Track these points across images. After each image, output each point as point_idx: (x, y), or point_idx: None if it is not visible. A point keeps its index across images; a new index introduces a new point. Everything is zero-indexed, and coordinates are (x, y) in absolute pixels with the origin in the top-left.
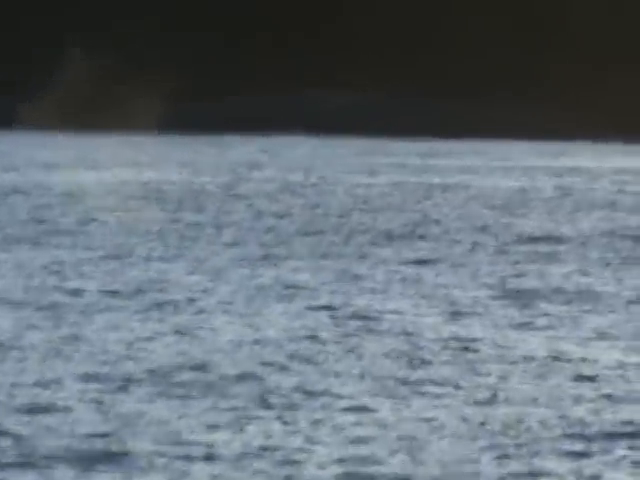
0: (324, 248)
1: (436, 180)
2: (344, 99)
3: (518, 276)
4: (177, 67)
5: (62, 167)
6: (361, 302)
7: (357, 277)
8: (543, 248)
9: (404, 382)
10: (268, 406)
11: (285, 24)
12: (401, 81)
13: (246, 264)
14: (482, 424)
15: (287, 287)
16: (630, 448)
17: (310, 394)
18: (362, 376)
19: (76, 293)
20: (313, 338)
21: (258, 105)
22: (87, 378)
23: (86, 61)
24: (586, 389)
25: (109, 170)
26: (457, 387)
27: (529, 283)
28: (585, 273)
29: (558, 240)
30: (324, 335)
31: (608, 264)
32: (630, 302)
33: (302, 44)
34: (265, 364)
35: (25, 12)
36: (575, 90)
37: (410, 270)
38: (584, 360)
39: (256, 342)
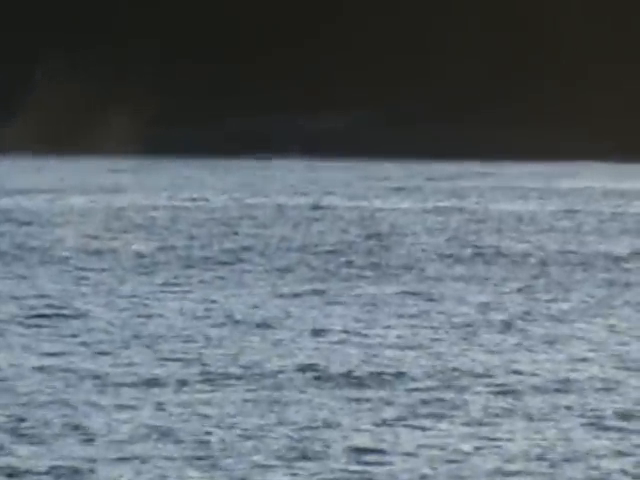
0: (312, 279)
1: (432, 204)
2: (339, 120)
3: (504, 302)
4: (166, 89)
5: (49, 192)
6: (346, 330)
7: (341, 306)
8: (530, 273)
9: (392, 414)
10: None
11: (279, 44)
12: (397, 103)
13: (235, 294)
14: (468, 460)
15: (275, 317)
16: None
17: (298, 429)
18: (350, 407)
19: (61, 321)
20: (300, 366)
21: (251, 127)
22: (70, 405)
23: (67, 83)
24: (575, 418)
25: (99, 195)
26: (442, 418)
27: (514, 309)
28: (568, 299)
29: (546, 264)
30: (311, 362)
31: (593, 292)
32: (611, 328)
33: (296, 66)
34: (248, 401)
35: (5, 29)
36: (574, 111)
37: (395, 299)
38: (568, 383)
39: (241, 367)
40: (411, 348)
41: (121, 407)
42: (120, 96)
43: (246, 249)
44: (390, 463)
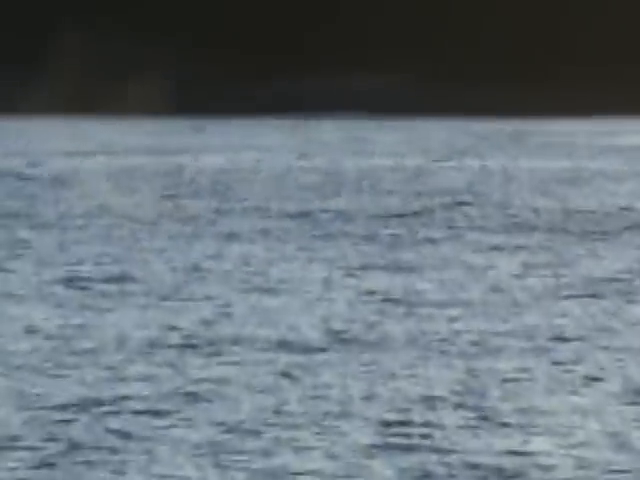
0: (354, 244)
1: (479, 163)
2: (374, 82)
3: (540, 269)
4: (201, 52)
5: (90, 154)
6: (387, 297)
7: (380, 272)
8: (569, 238)
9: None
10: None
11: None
12: (432, 63)
13: (274, 260)
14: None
15: (311, 281)
16: None
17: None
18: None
19: (105, 284)
20: (331, 331)
21: (288, 89)
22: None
23: (95, 41)
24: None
25: (148, 157)
26: (477, 386)
27: (549, 274)
28: (607, 264)
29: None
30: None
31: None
32: None
33: (327, 27)
34: (275, 368)
35: None
36: (619, 67)
37: (434, 265)
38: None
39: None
40: (449, 311)
41: (156, 369)
42: (168, 56)
43: (293, 215)
44: (419, 435)
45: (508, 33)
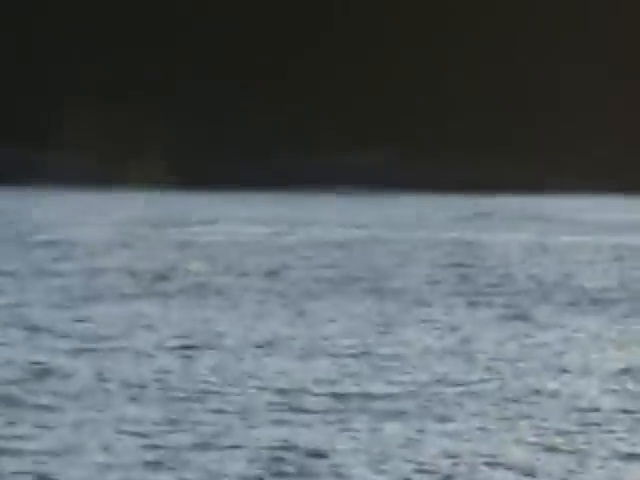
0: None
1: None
2: (359, 159)
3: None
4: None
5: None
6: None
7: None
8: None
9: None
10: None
11: (296, 84)
12: (407, 141)
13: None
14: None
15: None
16: None
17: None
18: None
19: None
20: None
21: (281, 167)
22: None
23: (99, 115)
24: None
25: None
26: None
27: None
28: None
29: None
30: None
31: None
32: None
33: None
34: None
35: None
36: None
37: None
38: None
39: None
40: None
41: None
42: (168, 135)
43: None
44: None
45: (474, 121)
